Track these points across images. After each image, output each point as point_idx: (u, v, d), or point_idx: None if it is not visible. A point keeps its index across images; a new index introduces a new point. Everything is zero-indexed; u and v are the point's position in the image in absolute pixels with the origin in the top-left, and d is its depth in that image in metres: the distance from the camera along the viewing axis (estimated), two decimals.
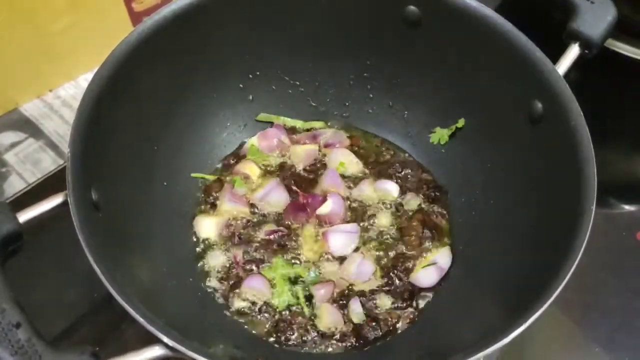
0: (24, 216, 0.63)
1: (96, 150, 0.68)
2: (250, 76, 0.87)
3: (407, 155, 0.89)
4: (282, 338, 0.74)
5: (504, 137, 0.79)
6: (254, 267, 0.78)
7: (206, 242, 0.81)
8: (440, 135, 0.86)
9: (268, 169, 0.86)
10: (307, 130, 0.90)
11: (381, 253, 0.81)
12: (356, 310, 0.76)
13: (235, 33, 0.81)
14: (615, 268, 0.86)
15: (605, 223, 0.88)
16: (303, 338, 0.74)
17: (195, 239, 0.81)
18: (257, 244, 0.80)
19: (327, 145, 0.88)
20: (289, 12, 0.82)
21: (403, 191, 0.85)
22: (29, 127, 0.97)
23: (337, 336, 0.75)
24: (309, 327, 0.75)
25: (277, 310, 0.76)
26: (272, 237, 0.80)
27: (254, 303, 0.76)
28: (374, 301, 0.77)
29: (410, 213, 0.83)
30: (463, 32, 0.77)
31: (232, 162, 0.87)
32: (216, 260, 0.79)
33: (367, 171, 0.87)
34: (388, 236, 0.82)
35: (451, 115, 0.84)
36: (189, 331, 0.62)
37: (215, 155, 0.87)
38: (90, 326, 0.79)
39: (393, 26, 0.81)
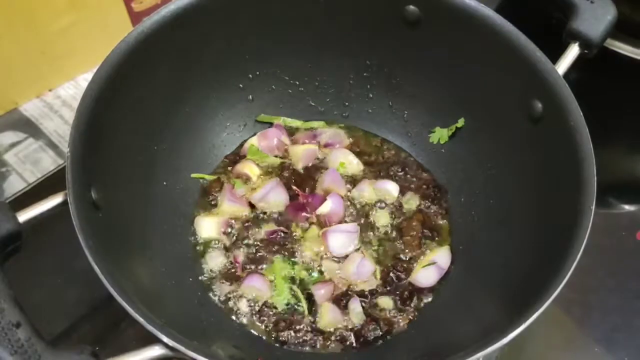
0: (23, 216, 0.63)
1: (96, 150, 0.68)
2: (250, 76, 0.87)
3: (407, 155, 0.89)
4: (282, 338, 0.74)
5: (504, 136, 0.79)
6: (253, 267, 0.78)
7: (206, 242, 0.81)
8: (440, 135, 0.86)
9: (268, 169, 0.86)
10: (307, 130, 0.90)
11: (381, 253, 0.81)
12: (356, 310, 0.76)
13: (235, 33, 0.81)
14: (615, 268, 0.86)
15: (605, 223, 0.88)
16: (303, 338, 0.74)
17: (195, 239, 0.81)
18: (257, 244, 0.80)
19: (326, 145, 0.88)
20: (289, 12, 0.82)
21: (403, 191, 0.85)
22: (29, 127, 0.97)
23: (337, 336, 0.75)
24: (308, 327, 0.75)
25: (277, 310, 0.76)
26: (272, 237, 0.80)
27: (254, 303, 0.76)
28: (374, 301, 0.77)
29: (410, 213, 0.84)
30: (463, 32, 0.77)
31: (232, 162, 0.87)
32: (216, 260, 0.79)
33: (366, 171, 0.87)
34: (388, 236, 0.82)
35: (451, 115, 0.84)
36: (189, 331, 0.62)
37: (215, 155, 0.87)
38: (89, 326, 0.79)
39: (393, 26, 0.81)
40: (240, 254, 0.79)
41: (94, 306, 0.79)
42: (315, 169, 0.86)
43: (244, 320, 0.76)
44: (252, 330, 0.75)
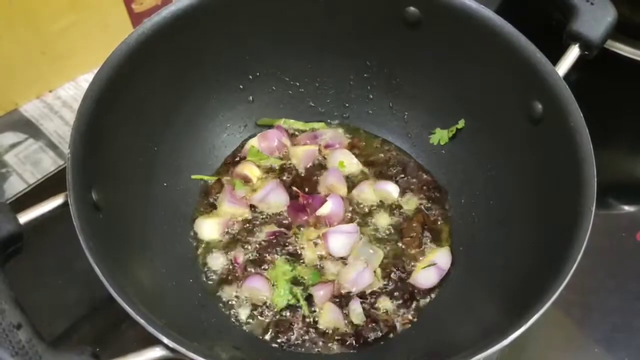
0: (24, 217, 0.63)
1: (96, 152, 0.68)
2: (250, 77, 0.87)
3: (407, 156, 0.89)
4: (282, 338, 0.74)
5: (504, 137, 0.79)
6: (254, 268, 0.78)
7: (206, 243, 0.81)
8: (440, 136, 0.86)
9: (268, 170, 0.86)
10: (308, 131, 0.90)
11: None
12: (356, 310, 0.76)
13: (235, 34, 0.81)
14: (615, 269, 0.86)
15: (605, 224, 0.88)
16: (303, 338, 0.74)
17: (195, 240, 0.81)
18: (258, 245, 0.80)
19: (327, 146, 0.88)
20: (289, 13, 0.82)
21: (403, 192, 0.85)
22: (29, 128, 0.97)
23: (337, 337, 0.75)
24: (309, 328, 0.75)
25: (277, 310, 0.76)
26: (272, 238, 0.80)
27: (254, 303, 0.76)
28: (374, 302, 0.77)
29: (410, 214, 0.84)
30: (463, 33, 0.77)
31: (232, 163, 0.87)
32: (216, 261, 0.79)
33: (367, 172, 0.87)
34: (388, 237, 0.82)
35: (451, 116, 0.85)
36: (189, 332, 0.62)
37: (215, 156, 0.87)
38: (90, 327, 0.79)
39: (393, 27, 0.81)
40: (241, 255, 0.79)
41: (95, 307, 0.79)
42: (315, 170, 0.86)
43: (245, 321, 0.76)
44: (253, 331, 0.75)
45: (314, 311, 0.76)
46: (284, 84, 0.89)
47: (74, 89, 1.01)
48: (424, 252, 0.81)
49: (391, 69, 0.87)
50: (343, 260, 0.80)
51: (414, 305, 0.77)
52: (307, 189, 0.84)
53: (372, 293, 0.78)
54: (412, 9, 0.79)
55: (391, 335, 0.75)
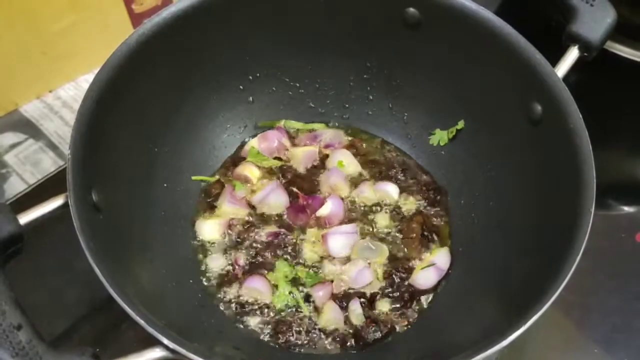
0: (24, 218, 0.63)
1: (97, 152, 0.68)
2: (250, 78, 0.87)
3: (407, 156, 0.89)
4: (282, 339, 0.74)
5: (504, 139, 0.79)
6: (254, 269, 0.78)
7: (206, 243, 0.81)
8: (440, 136, 0.86)
9: (268, 170, 0.86)
10: (308, 131, 0.90)
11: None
12: (356, 311, 0.76)
13: (236, 35, 0.81)
14: (614, 269, 0.86)
15: (604, 224, 0.88)
16: (303, 339, 0.75)
17: (195, 241, 0.81)
18: (258, 246, 0.80)
19: (327, 147, 0.88)
20: (289, 13, 0.82)
21: (403, 192, 0.85)
22: (29, 128, 0.97)
23: (337, 337, 0.75)
24: (308, 328, 0.75)
25: (277, 311, 0.76)
26: (272, 238, 0.80)
27: (254, 304, 0.76)
28: (374, 302, 0.77)
29: (410, 214, 0.84)
30: (463, 34, 0.77)
31: (232, 163, 0.87)
32: (216, 261, 0.79)
33: (366, 173, 0.87)
34: (388, 238, 0.82)
35: (451, 117, 0.85)
36: (189, 333, 0.62)
37: (215, 156, 0.87)
38: (90, 327, 0.79)
39: (393, 28, 0.82)
40: (241, 256, 0.79)
41: (95, 307, 0.79)
42: (315, 171, 0.86)
43: (245, 322, 0.76)
44: (253, 332, 0.75)
45: (314, 312, 0.76)
46: (284, 84, 0.89)
47: (74, 90, 1.01)
48: (423, 252, 0.81)
49: (391, 69, 0.87)
50: (343, 260, 0.80)
51: (413, 305, 0.77)
52: (307, 190, 0.84)
53: (372, 293, 0.78)
54: (412, 10, 0.79)
55: (391, 335, 0.75)
